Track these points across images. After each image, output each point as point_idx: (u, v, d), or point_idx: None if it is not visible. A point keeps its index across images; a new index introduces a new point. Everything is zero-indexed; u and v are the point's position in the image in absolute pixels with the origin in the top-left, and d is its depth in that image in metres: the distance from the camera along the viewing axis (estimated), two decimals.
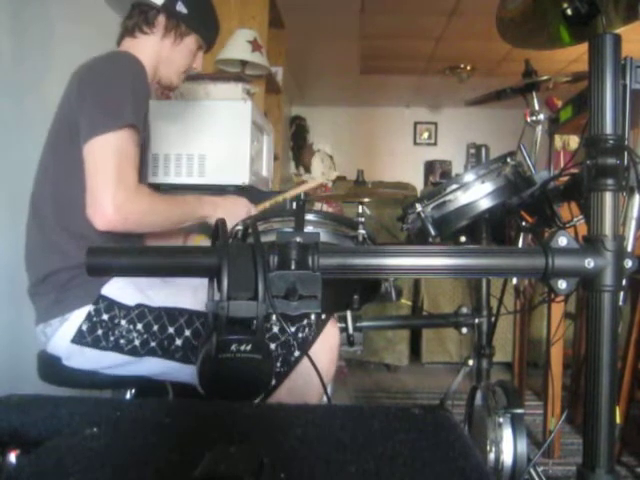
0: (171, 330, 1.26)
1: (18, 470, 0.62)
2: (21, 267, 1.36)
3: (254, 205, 1.57)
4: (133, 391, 1.44)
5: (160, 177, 2.13)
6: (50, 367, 1.32)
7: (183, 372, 1.26)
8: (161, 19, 1.44)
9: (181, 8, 1.45)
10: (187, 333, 1.26)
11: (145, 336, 1.26)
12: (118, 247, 0.76)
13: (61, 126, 1.32)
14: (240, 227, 1.26)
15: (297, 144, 6.28)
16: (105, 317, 1.26)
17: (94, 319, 1.26)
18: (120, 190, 1.20)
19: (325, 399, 1.05)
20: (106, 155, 1.21)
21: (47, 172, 1.33)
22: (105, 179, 1.20)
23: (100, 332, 1.25)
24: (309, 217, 1.27)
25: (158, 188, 1.76)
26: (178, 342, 1.25)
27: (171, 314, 1.27)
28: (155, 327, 1.26)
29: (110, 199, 1.19)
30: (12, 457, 0.64)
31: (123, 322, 1.26)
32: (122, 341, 1.25)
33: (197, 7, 1.49)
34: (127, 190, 1.21)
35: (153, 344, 1.26)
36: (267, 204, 1.66)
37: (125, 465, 0.63)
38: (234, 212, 1.46)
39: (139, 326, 1.26)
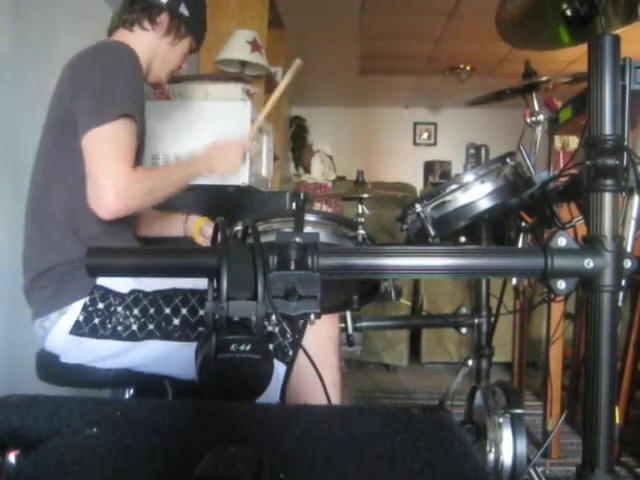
0: (167, 311, 1.27)
1: (18, 470, 0.62)
2: (19, 268, 1.36)
3: (246, 135, 1.61)
4: (132, 391, 1.44)
5: None
6: (49, 366, 1.32)
7: (183, 353, 1.26)
8: (164, 18, 1.45)
9: (184, 10, 1.46)
10: (184, 312, 1.27)
11: (142, 320, 1.26)
12: (118, 247, 0.76)
13: (56, 122, 1.32)
14: (240, 227, 1.26)
15: (297, 144, 6.28)
16: (101, 306, 1.27)
17: (90, 309, 1.27)
18: (119, 179, 1.21)
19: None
20: (103, 146, 1.23)
21: (45, 170, 1.33)
22: (104, 169, 1.22)
23: (97, 321, 1.26)
24: (309, 217, 1.27)
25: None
26: (176, 322, 1.26)
27: (166, 295, 1.28)
28: (151, 310, 1.27)
29: (111, 188, 1.21)
30: (12, 457, 0.64)
31: (119, 309, 1.27)
32: (120, 328, 1.26)
33: (197, 10, 1.51)
34: (126, 177, 1.22)
35: (151, 327, 1.26)
36: (255, 127, 1.71)
37: (125, 465, 0.63)
38: (231, 158, 1.53)
39: (135, 311, 1.27)
